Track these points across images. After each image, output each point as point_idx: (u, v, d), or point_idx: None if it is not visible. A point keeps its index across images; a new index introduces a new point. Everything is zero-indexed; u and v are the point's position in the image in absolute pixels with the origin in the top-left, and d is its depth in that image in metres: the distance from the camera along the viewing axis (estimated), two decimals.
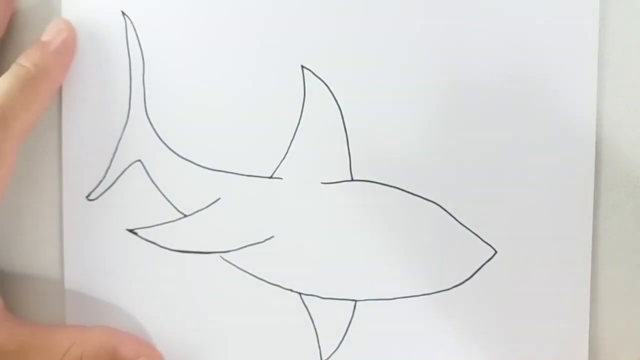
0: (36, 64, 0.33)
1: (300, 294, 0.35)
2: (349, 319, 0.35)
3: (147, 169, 0.35)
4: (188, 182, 0.34)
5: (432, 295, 0.34)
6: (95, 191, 0.35)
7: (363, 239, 0.34)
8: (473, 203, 0.34)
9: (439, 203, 0.34)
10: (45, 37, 0.34)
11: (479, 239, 0.34)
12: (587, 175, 0.34)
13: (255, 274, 0.35)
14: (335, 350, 0.35)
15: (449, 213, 0.34)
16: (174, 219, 0.35)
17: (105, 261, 0.35)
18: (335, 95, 0.34)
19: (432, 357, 0.34)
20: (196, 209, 0.35)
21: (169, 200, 0.35)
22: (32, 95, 0.33)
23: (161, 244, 0.35)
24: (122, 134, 0.35)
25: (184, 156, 0.35)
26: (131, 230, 0.35)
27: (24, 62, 0.33)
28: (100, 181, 0.35)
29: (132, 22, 0.34)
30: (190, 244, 0.35)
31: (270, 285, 0.35)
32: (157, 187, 0.35)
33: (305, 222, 0.34)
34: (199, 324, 0.35)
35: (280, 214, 0.34)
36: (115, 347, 0.33)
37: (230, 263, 0.35)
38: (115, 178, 0.35)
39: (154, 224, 0.35)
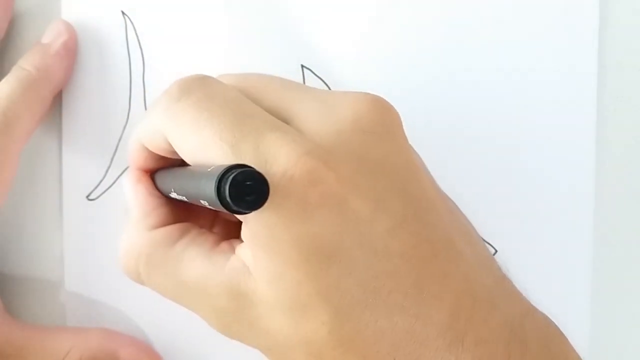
0: (37, 66, 0.33)
1: None
2: None
3: None
4: None
5: None
6: (95, 191, 0.35)
7: None
8: (473, 202, 0.34)
9: None
10: (45, 39, 0.34)
11: None
12: (587, 175, 0.34)
13: None
14: None
15: None
16: None
17: (105, 261, 0.35)
18: None
19: None
20: None
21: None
22: (34, 98, 0.33)
23: None
24: (122, 134, 0.35)
25: None
26: None
27: (25, 64, 0.33)
28: (100, 181, 0.35)
29: (132, 22, 0.34)
30: None
31: None
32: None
33: None
34: (199, 326, 0.35)
35: None
36: (114, 350, 0.33)
37: None
38: (115, 178, 0.35)
39: None
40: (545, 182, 0.34)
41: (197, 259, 0.26)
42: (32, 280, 0.35)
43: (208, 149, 0.23)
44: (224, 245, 0.26)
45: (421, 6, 0.33)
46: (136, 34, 0.34)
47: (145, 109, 0.34)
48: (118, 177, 0.35)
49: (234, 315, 0.25)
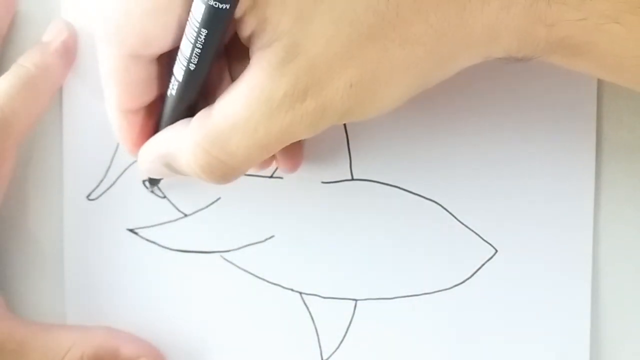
0: (37, 64, 0.33)
1: (300, 293, 0.35)
2: (350, 319, 0.34)
3: None
4: (188, 181, 0.34)
5: (433, 294, 0.34)
6: (95, 191, 0.35)
7: (363, 239, 0.34)
8: (473, 202, 0.34)
9: (439, 202, 0.34)
10: (46, 38, 0.34)
11: (479, 238, 0.34)
12: (587, 175, 0.34)
13: (255, 274, 0.35)
14: (335, 350, 0.35)
15: (449, 212, 0.34)
16: (174, 218, 0.35)
17: (105, 261, 0.35)
18: None
19: (432, 357, 0.34)
20: (196, 209, 0.35)
21: (169, 200, 0.35)
22: (32, 95, 0.33)
23: (161, 244, 0.35)
24: None
25: None
26: (131, 230, 0.35)
27: (24, 62, 0.33)
28: (101, 181, 0.35)
29: None
30: (191, 243, 0.35)
31: (271, 285, 0.35)
32: (157, 186, 0.35)
33: (306, 221, 0.34)
34: (200, 323, 0.35)
35: (281, 214, 0.34)
36: (115, 348, 0.33)
37: (231, 262, 0.35)
38: (115, 178, 0.35)
39: (154, 224, 0.35)
40: (546, 181, 0.34)
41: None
42: (32, 280, 0.35)
43: None
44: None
45: None
46: None
47: None
48: (118, 177, 0.35)
49: None
